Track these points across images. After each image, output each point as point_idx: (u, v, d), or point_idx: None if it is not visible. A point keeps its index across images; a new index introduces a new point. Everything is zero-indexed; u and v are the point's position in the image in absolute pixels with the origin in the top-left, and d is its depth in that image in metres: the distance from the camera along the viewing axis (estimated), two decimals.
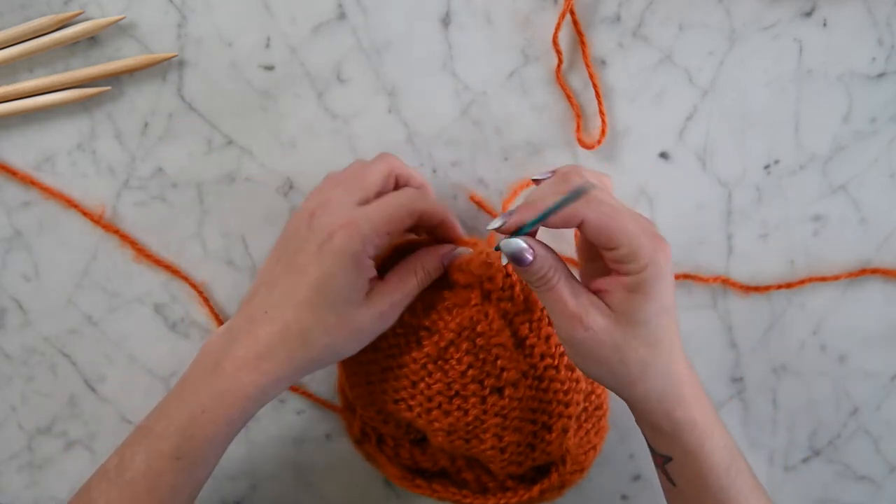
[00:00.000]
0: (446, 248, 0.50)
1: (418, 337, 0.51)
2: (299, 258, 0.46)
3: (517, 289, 0.50)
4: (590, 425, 0.55)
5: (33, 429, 0.60)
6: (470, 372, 0.50)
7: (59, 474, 0.60)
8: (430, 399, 0.51)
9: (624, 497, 0.60)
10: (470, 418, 0.50)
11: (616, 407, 0.58)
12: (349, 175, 0.49)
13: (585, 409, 0.54)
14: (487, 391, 0.50)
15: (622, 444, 0.59)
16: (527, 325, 0.51)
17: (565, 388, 0.51)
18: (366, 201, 0.47)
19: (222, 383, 0.45)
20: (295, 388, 0.59)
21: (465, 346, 0.50)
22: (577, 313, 0.43)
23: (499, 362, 0.50)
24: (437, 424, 0.51)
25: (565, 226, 0.42)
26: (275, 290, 0.46)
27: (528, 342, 0.51)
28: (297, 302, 0.45)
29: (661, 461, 0.47)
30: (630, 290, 0.42)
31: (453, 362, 0.50)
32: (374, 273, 0.47)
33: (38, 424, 0.60)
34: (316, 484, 0.61)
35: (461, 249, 0.50)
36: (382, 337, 0.51)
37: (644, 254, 0.41)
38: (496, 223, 0.43)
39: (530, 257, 0.43)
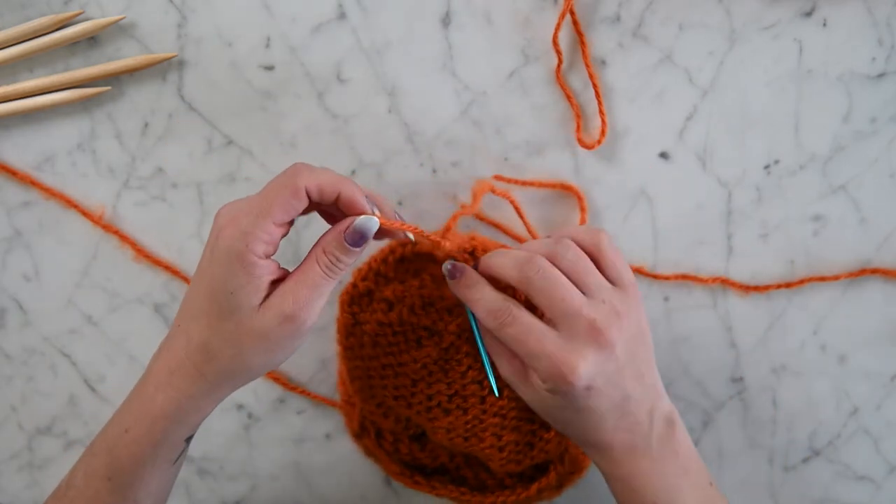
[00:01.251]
0: (343, 222, 0.43)
1: (418, 337, 0.51)
2: (201, 264, 0.43)
3: (517, 290, 0.50)
4: None
5: (33, 429, 0.60)
6: (470, 373, 0.50)
7: (59, 474, 0.60)
8: (430, 398, 0.51)
9: None
10: (469, 417, 0.50)
11: None
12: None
13: None
14: (487, 391, 0.50)
15: None
16: None
17: None
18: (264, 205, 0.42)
19: (142, 404, 0.44)
20: (294, 388, 0.59)
21: (465, 348, 0.50)
22: (500, 370, 0.49)
23: None
24: (436, 423, 0.51)
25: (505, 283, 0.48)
26: (185, 301, 0.44)
27: None
28: (194, 313, 0.43)
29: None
30: (543, 382, 0.46)
31: (453, 363, 0.50)
32: (274, 273, 0.42)
33: (38, 424, 0.60)
34: (316, 484, 0.61)
35: (362, 219, 0.43)
36: (381, 334, 0.51)
37: (545, 376, 0.45)
38: (448, 272, 0.49)
39: (455, 275, 0.49)
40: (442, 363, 0.50)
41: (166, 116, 0.56)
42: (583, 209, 0.55)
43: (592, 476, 0.57)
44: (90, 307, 0.59)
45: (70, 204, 0.57)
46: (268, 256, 0.42)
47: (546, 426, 0.52)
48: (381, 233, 0.45)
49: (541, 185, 0.56)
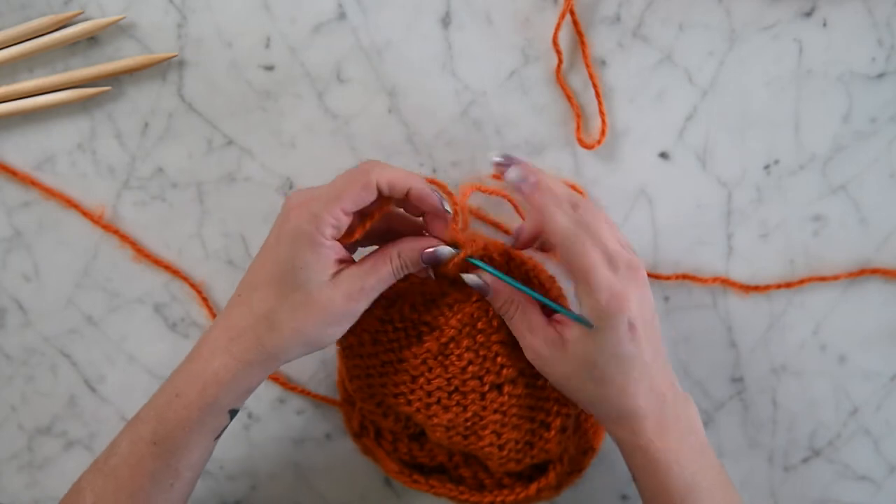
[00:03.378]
0: (428, 241, 0.48)
1: (419, 332, 0.51)
2: (268, 240, 0.46)
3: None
4: (588, 425, 0.55)
5: (33, 429, 0.60)
6: (470, 368, 0.50)
7: (59, 474, 0.60)
8: (429, 394, 0.51)
9: (624, 497, 0.60)
10: (469, 414, 0.50)
11: None
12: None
13: (584, 410, 0.54)
14: (487, 388, 0.50)
15: None
16: None
17: None
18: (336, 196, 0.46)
19: (196, 366, 0.46)
20: (293, 387, 0.59)
21: (465, 342, 0.50)
22: (531, 343, 0.48)
23: (499, 359, 0.50)
24: (436, 420, 0.51)
25: (550, 240, 0.46)
26: (248, 273, 0.47)
27: None
28: (261, 282, 0.46)
29: (633, 477, 0.49)
30: (583, 332, 0.45)
31: (454, 358, 0.50)
32: (340, 253, 0.46)
33: (38, 424, 0.60)
34: (316, 484, 0.61)
35: (443, 249, 0.48)
36: (382, 331, 0.51)
37: (596, 302, 0.44)
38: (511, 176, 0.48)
39: (486, 291, 0.48)
40: (442, 358, 0.50)
41: (166, 116, 0.56)
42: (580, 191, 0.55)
43: (591, 477, 0.57)
44: (90, 307, 0.59)
45: (70, 204, 0.57)
46: (334, 239, 0.45)
47: (546, 425, 0.52)
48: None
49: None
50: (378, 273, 0.46)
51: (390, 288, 0.52)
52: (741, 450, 0.59)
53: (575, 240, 0.44)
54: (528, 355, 0.48)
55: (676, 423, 0.47)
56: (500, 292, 0.48)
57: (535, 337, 0.47)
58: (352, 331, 0.52)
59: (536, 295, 0.48)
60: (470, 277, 0.48)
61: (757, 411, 0.58)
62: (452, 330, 0.50)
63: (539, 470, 0.54)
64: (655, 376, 0.46)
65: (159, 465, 0.45)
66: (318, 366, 0.59)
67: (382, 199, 0.46)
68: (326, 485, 0.61)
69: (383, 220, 0.48)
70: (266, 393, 0.59)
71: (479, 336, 0.50)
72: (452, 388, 0.50)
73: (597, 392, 0.46)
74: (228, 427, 0.58)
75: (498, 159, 0.48)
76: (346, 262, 0.46)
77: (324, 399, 0.59)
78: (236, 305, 0.46)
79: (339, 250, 0.45)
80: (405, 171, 0.46)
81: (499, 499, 0.54)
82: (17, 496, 0.61)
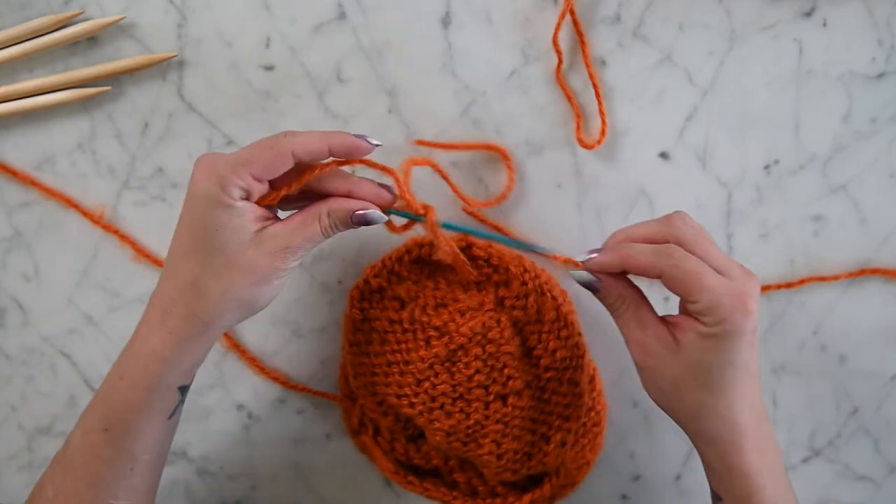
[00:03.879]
0: (357, 203, 0.46)
1: (428, 336, 0.51)
2: (182, 210, 0.45)
3: (531, 298, 0.50)
4: (586, 441, 0.55)
5: (33, 429, 0.60)
6: (476, 377, 0.50)
7: None
8: (433, 399, 0.51)
9: (624, 497, 0.60)
10: (471, 422, 0.50)
11: (616, 406, 0.58)
12: None
13: (584, 424, 0.54)
14: (492, 397, 0.50)
15: (622, 444, 0.59)
16: (536, 335, 0.51)
17: (566, 401, 0.51)
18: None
19: (136, 346, 0.45)
20: (294, 385, 0.59)
21: (474, 351, 0.50)
22: (641, 341, 0.45)
23: (506, 370, 0.50)
24: (437, 424, 0.51)
25: (646, 275, 0.44)
26: (170, 247, 0.46)
27: (535, 353, 0.51)
28: (181, 250, 0.45)
29: (713, 498, 0.47)
30: (702, 337, 0.43)
31: (461, 366, 0.50)
32: (257, 212, 0.44)
33: (38, 424, 0.60)
34: (316, 484, 0.61)
35: (375, 212, 0.46)
36: (391, 331, 0.51)
37: (720, 312, 0.42)
38: (581, 258, 0.47)
39: (598, 287, 0.46)
40: (449, 364, 0.50)
41: (166, 116, 0.56)
42: (509, 167, 0.55)
43: (591, 477, 0.57)
44: (90, 307, 0.59)
45: (70, 204, 0.57)
46: (244, 200, 0.44)
47: (546, 438, 0.51)
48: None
49: (465, 146, 0.55)
50: (305, 231, 0.45)
51: (402, 289, 0.52)
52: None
53: (672, 264, 0.43)
54: (636, 354, 0.46)
55: (769, 443, 0.45)
56: (613, 288, 0.46)
57: (646, 334, 0.45)
58: (360, 328, 0.52)
59: (539, 247, 0.47)
60: (579, 274, 0.46)
61: None
62: (463, 338, 0.50)
63: (533, 481, 0.54)
64: (757, 392, 0.45)
65: (113, 451, 0.45)
66: (317, 366, 0.59)
67: (304, 165, 0.45)
68: (326, 485, 0.61)
69: (316, 181, 0.46)
70: (266, 393, 0.59)
71: (489, 346, 0.50)
72: (457, 394, 0.50)
73: (704, 402, 0.44)
74: (228, 427, 0.58)
75: (586, 257, 0.46)
76: (271, 220, 0.45)
77: (324, 395, 0.59)
78: (164, 279, 0.45)
79: (254, 209, 0.44)
80: (321, 132, 0.45)
81: None
82: (17, 496, 0.61)
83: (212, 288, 0.44)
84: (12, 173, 0.57)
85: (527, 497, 0.53)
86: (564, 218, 0.56)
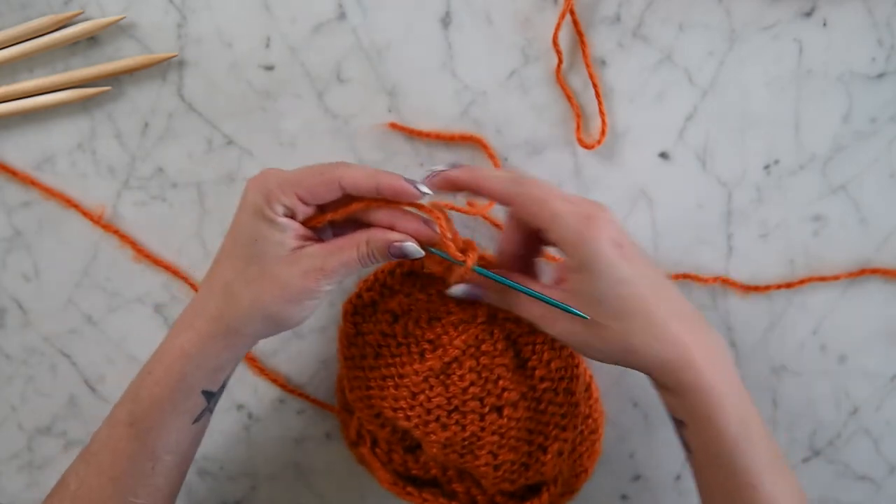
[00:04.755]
0: (398, 235, 0.46)
1: (422, 349, 0.51)
2: (234, 218, 0.46)
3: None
4: (584, 448, 0.55)
5: (33, 429, 0.60)
6: (471, 389, 0.50)
7: (58, 474, 0.60)
8: (429, 412, 0.51)
9: (624, 497, 0.60)
10: (467, 434, 0.50)
11: (615, 406, 0.58)
12: None
13: (581, 432, 0.54)
14: (487, 409, 0.50)
15: (622, 444, 0.59)
16: (530, 346, 0.51)
17: (563, 411, 0.52)
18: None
19: (166, 344, 0.46)
20: (293, 390, 0.59)
21: (468, 363, 0.50)
22: (543, 316, 0.46)
23: (500, 382, 0.50)
24: (433, 437, 0.51)
25: (496, 201, 0.45)
26: (217, 254, 0.47)
27: (529, 364, 0.51)
28: (223, 256, 0.46)
29: (677, 426, 0.46)
30: (576, 272, 0.43)
31: (455, 378, 0.50)
32: (300, 231, 0.45)
33: (38, 424, 0.60)
34: (316, 484, 0.61)
35: (411, 245, 0.45)
36: (385, 345, 0.51)
37: (570, 233, 0.42)
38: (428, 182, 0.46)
39: (480, 295, 0.48)
40: (444, 377, 0.50)
41: (166, 116, 0.56)
42: (492, 156, 0.55)
43: (593, 476, 0.57)
44: (90, 307, 0.59)
45: (70, 204, 0.57)
46: (287, 218, 0.45)
47: (543, 448, 0.51)
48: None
49: (438, 136, 0.55)
50: (342, 256, 0.45)
51: (394, 302, 0.52)
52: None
53: (521, 191, 0.44)
54: (547, 329, 0.46)
55: (719, 354, 0.44)
56: (493, 288, 0.47)
57: (553, 318, 0.45)
58: (354, 342, 0.52)
59: (532, 292, 0.46)
60: (457, 290, 0.48)
61: None
62: (456, 350, 0.50)
63: (531, 489, 0.54)
64: (676, 299, 0.44)
65: (136, 446, 0.45)
66: (318, 366, 0.59)
67: (351, 198, 0.46)
68: (326, 485, 0.61)
69: (363, 212, 0.46)
70: (266, 393, 0.59)
71: (482, 358, 0.50)
72: (452, 407, 0.50)
73: (625, 330, 0.43)
74: (228, 427, 0.58)
75: (428, 176, 0.47)
76: (311, 242, 0.46)
77: (322, 405, 0.59)
78: (203, 282, 0.47)
79: (297, 228, 0.45)
80: (374, 170, 0.45)
81: None
82: (17, 496, 0.61)
83: (243, 295, 0.45)
84: (12, 173, 0.57)
85: None
86: None
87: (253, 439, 0.60)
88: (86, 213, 0.57)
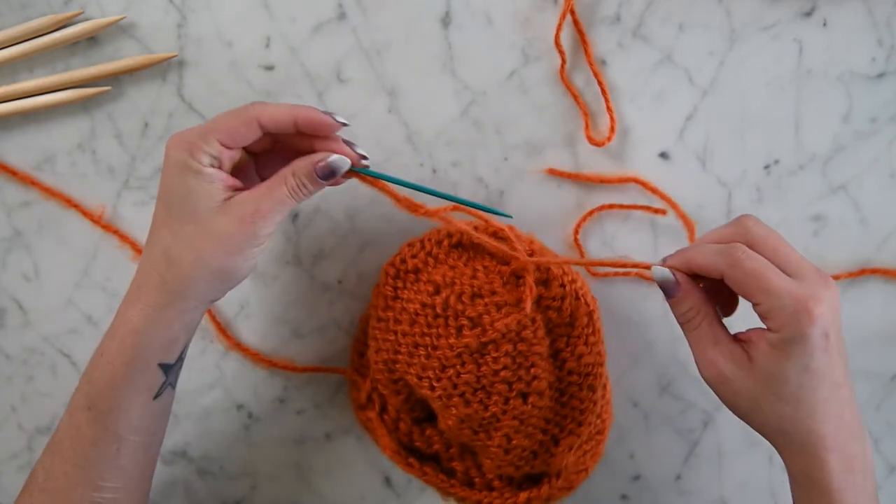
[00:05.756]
0: (318, 155, 0.46)
1: (459, 325, 0.50)
2: (160, 183, 0.46)
3: (567, 302, 0.50)
4: (588, 447, 0.54)
5: (33, 429, 0.60)
6: (503, 373, 0.50)
7: None
8: (455, 386, 0.50)
9: (624, 497, 0.60)
10: (488, 414, 0.50)
11: (615, 406, 0.58)
12: None
13: (589, 431, 0.54)
14: (514, 394, 0.50)
15: (622, 444, 0.59)
16: (565, 339, 0.51)
17: (583, 406, 0.51)
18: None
19: (115, 322, 0.45)
20: (285, 366, 0.59)
21: (505, 347, 0.49)
22: (714, 359, 0.44)
23: (533, 370, 0.49)
24: (454, 410, 0.50)
25: (707, 275, 0.44)
26: (151, 221, 0.46)
27: (561, 355, 0.51)
28: (155, 223, 0.45)
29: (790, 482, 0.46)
30: (772, 346, 0.42)
31: (489, 359, 0.50)
32: (229, 181, 0.45)
33: (38, 424, 0.60)
34: (316, 484, 0.61)
35: (337, 158, 0.46)
36: (423, 314, 0.50)
37: (781, 316, 0.41)
38: (658, 264, 0.46)
39: (676, 291, 0.45)
40: (478, 356, 0.50)
41: (166, 116, 0.56)
42: (654, 190, 0.55)
43: (591, 477, 0.57)
44: (90, 307, 0.59)
45: (70, 204, 0.57)
46: (214, 168, 0.44)
47: (556, 440, 0.51)
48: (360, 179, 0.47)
49: (601, 180, 0.55)
50: (273, 195, 0.44)
51: (438, 273, 0.51)
52: (741, 450, 0.59)
53: (736, 266, 0.42)
54: (706, 372, 0.45)
55: (860, 462, 0.43)
56: (688, 297, 0.45)
57: (719, 351, 0.44)
58: (391, 306, 0.52)
59: (479, 205, 0.46)
60: (660, 271, 0.45)
61: None
62: (496, 333, 0.49)
63: (529, 479, 0.54)
64: (846, 403, 0.43)
65: (97, 430, 0.44)
66: (319, 364, 0.59)
67: (273, 138, 0.46)
68: (326, 485, 0.61)
69: (288, 142, 0.47)
70: (266, 393, 0.59)
71: (520, 344, 0.49)
72: (480, 385, 0.50)
73: (783, 413, 0.42)
74: (228, 427, 0.58)
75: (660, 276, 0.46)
76: (241, 190, 0.45)
77: (333, 370, 0.58)
78: (143, 253, 0.45)
79: (226, 178, 0.44)
80: (290, 104, 0.45)
81: (486, 499, 0.53)
82: (17, 496, 0.61)
83: (182, 256, 0.44)
84: (12, 173, 0.57)
85: (523, 495, 0.53)
86: (565, 218, 0.56)
87: (253, 439, 0.60)
88: (86, 213, 0.57)
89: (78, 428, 0.45)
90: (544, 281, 0.50)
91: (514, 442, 0.50)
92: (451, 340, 0.50)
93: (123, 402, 0.44)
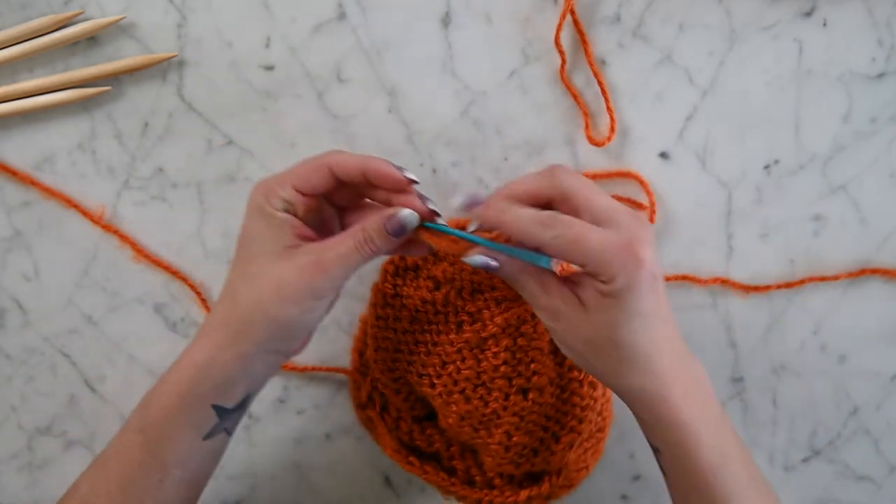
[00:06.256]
0: (388, 210, 0.45)
1: (459, 321, 0.50)
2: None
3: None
4: (589, 445, 0.55)
5: (33, 429, 0.60)
6: (503, 368, 0.50)
7: (59, 474, 0.60)
8: (455, 382, 0.50)
9: (624, 497, 0.60)
10: (488, 410, 0.50)
11: (616, 406, 0.58)
12: None
13: (590, 429, 0.54)
14: (514, 390, 0.50)
15: (622, 444, 0.59)
16: None
17: (584, 403, 0.51)
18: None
19: (181, 354, 0.45)
20: (284, 366, 0.59)
21: (505, 342, 0.50)
22: (547, 306, 0.44)
23: (533, 365, 0.50)
24: (454, 408, 0.50)
25: (526, 245, 0.44)
26: None
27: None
28: (231, 267, 0.46)
29: (654, 451, 0.46)
30: (603, 295, 0.42)
31: (489, 354, 0.50)
32: (299, 228, 0.44)
33: (38, 424, 0.60)
34: (316, 484, 0.61)
35: (406, 212, 0.44)
36: (423, 311, 0.51)
37: (610, 270, 0.41)
38: (472, 225, 0.45)
39: (496, 265, 0.44)
40: (477, 351, 0.50)
41: (166, 116, 0.56)
42: (649, 193, 0.55)
43: (591, 477, 0.57)
44: (90, 307, 0.59)
45: (70, 204, 0.57)
46: (287, 213, 0.44)
47: (556, 437, 0.51)
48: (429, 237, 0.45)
49: (596, 175, 0.56)
50: (338, 248, 0.44)
51: (439, 269, 0.51)
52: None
53: (552, 235, 0.41)
54: (545, 318, 0.45)
55: (698, 387, 0.44)
56: (510, 263, 0.45)
57: (551, 298, 0.44)
58: (390, 303, 0.52)
59: (526, 254, 0.44)
60: (475, 259, 0.45)
61: (757, 411, 0.58)
62: (496, 328, 0.50)
63: (530, 477, 0.54)
64: (674, 336, 0.44)
65: (146, 456, 0.44)
66: (318, 365, 0.59)
67: (347, 186, 0.45)
68: (326, 485, 0.61)
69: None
70: (266, 393, 0.59)
71: (520, 339, 0.49)
72: (480, 381, 0.50)
73: (620, 356, 0.43)
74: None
75: (462, 201, 0.45)
76: (302, 239, 0.45)
77: (334, 370, 0.58)
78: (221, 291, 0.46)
79: (297, 225, 0.44)
80: (364, 155, 0.44)
81: (487, 498, 0.54)
82: (17, 496, 0.61)
83: (243, 297, 0.44)
84: (12, 173, 0.57)
85: (524, 493, 0.53)
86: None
87: (253, 439, 0.60)
88: (86, 213, 0.57)
89: (127, 448, 0.45)
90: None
91: (514, 439, 0.50)
92: (452, 336, 0.50)
93: (173, 434, 0.44)
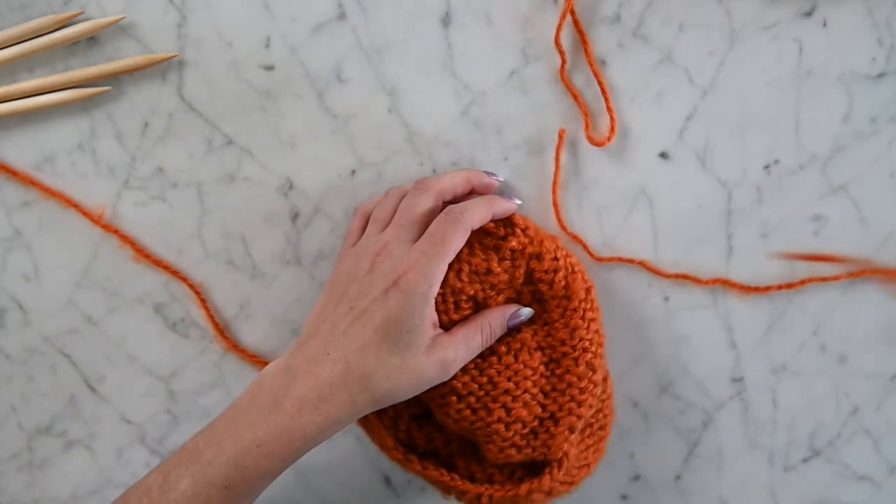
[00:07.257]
0: (512, 308, 0.51)
1: (457, 300, 0.51)
2: (361, 302, 0.46)
3: (560, 274, 0.52)
4: (591, 442, 0.55)
5: (33, 429, 0.60)
6: (500, 348, 0.52)
7: (59, 474, 0.60)
8: None
9: (624, 497, 0.60)
10: (484, 380, 0.51)
11: (616, 406, 0.58)
12: (398, 214, 0.50)
13: (591, 425, 0.54)
14: (504, 349, 0.51)
15: (622, 444, 0.59)
16: (560, 310, 0.52)
17: (582, 385, 0.52)
18: (417, 236, 0.48)
19: (282, 421, 0.45)
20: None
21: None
22: None
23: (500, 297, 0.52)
24: (451, 381, 0.51)
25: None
26: (336, 332, 0.47)
27: (555, 325, 0.52)
28: (361, 345, 0.46)
29: None
30: None
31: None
32: (436, 319, 0.48)
33: (38, 424, 0.60)
34: (316, 484, 0.61)
35: (526, 310, 0.51)
36: None
37: None
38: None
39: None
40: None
41: (166, 116, 0.56)
42: (656, 272, 0.57)
43: (591, 477, 0.57)
44: (90, 307, 0.59)
45: (70, 204, 0.57)
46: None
47: (555, 419, 0.52)
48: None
49: (609, 259, 0.56)
50: (469, 345, 0.48)
51: None
52: (741, 450, 0.59)
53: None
54: None
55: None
56: None
57: None
58: None
59: None
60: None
61: (757, 411, 0.58)
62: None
63: (530, 472, 0.54)
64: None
65: None
66: None
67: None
68: (326, 485, 0.61)
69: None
70: None
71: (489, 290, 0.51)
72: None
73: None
74: None
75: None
76: (436, 329, 0.48)
77: None
78: (326, 364, 0.46)
79: (435, 315, 0.47)
80: (457, 173, 0.52)
81: (487, 492, 0.54)
82: (17, 496, 0.61)
83: (381, 385, 0.45)
84: (12, 173, 0.57)
85: (525, 486, 0.53)
86: (564, 218, 0.56)
87: None
88: (86, 213, 0.57)
89: (206, 500, 0.45)
90: (537, 255, 0.51)
91: (513, 413, 0.51)
92: (452, 315, 0.51)
93: (263, 488, 0.47)
